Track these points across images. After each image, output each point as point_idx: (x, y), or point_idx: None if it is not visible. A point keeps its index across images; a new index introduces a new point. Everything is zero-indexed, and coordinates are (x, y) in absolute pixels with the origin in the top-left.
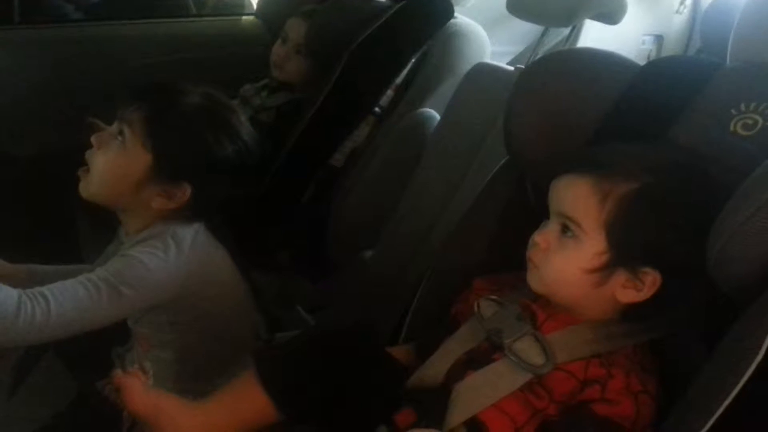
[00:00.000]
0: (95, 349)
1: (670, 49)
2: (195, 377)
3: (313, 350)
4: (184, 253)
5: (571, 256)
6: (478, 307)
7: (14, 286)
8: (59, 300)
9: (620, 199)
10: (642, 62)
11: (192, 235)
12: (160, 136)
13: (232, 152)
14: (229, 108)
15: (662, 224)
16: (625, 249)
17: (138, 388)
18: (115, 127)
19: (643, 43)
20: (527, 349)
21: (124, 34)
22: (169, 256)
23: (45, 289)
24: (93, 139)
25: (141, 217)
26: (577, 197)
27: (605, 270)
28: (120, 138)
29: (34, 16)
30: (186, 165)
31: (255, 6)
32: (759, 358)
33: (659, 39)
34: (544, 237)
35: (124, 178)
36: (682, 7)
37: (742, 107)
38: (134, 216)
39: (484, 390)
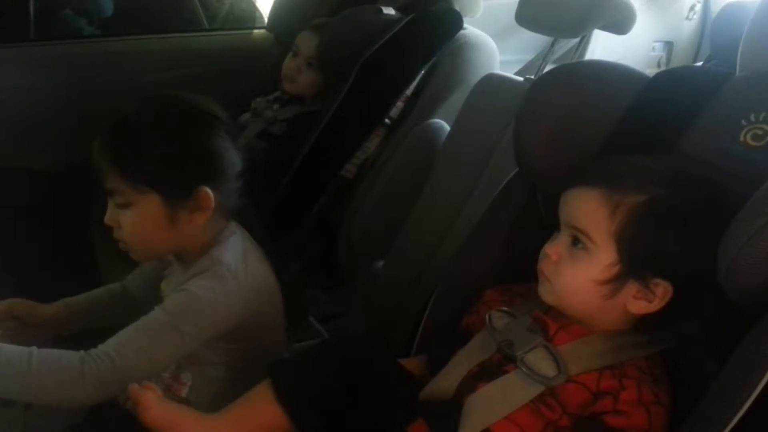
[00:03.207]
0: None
1: (680, 55)
2: (236, 396)
3: (327, 362)
4: (240, 283)
5: (582, 268)
6: (490, 318)
7: (58, 325)
8: (122, 353)
9: (630, 211)
10: (652, 68)
11: (241, 258)
12: (136, 169)
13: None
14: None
15: (672, 235)
16: (636, 260)
17: (153, 401)
18: (110, 194)
19: (653, 49)
20: (539, 360)
21: (137, 48)
22: (229, 286)
23: (107, 347)
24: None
25: (186, 245)
26: (587, 209)
27: (616, 281)
28: (119, 198)
29: (49, 32)
30: (179, 170)
31: (266, 20)
32: None
33: (669, 45)
34: (555, 249)
35: (156, 229)
36: (691, 13)
37: (752, 117)
38: (186, 246)
39: (497, 402)
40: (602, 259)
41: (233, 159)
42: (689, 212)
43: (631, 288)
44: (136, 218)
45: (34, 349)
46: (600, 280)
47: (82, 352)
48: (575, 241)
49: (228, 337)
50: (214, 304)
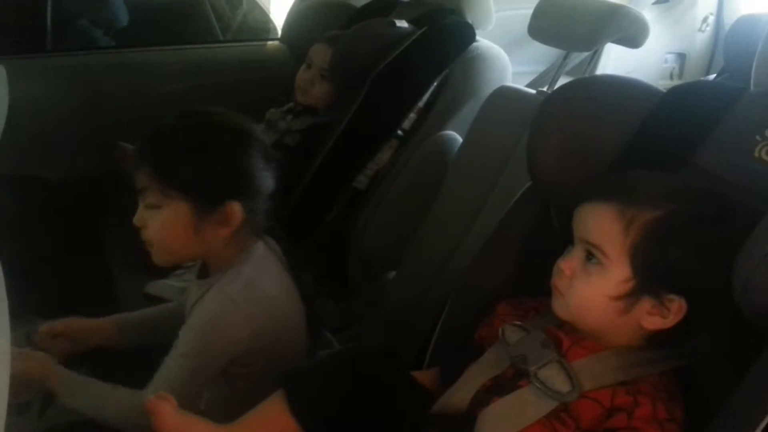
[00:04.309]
0: (128, 366)
1: (692, 67)
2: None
3: (341, 374)
4: (260, 300)
5: (596, 283)
6: (503, 332)
7: (100, 342)
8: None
9: (644, 226)
10: (665, 80)
11: (256, 281)
12: (170, 175)
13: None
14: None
15: (687, 252)
16: (650, 276)
17: (168, 412)
18: (141, 193)
19: (666, 61)
20: (553, 376)
21: (152, 59)
22: (247, 307)
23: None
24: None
25: (208, 255)
26: (601, 224)
27: (630, 297)
28: (149, 198)
29: (65, 43)
30: (211, 183)
31: (280, 31)
32: None
33: (682, 57)
34: (569, 264)
35: (180, 235)
36: (704, 25)
37: (767, 133)
38: (206, 257)
39: (510, 417)
40: (616, 274)
41: (265, 180)
42: (703, 228)
43: (646, 304)
44: (163, 221)
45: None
46: (614, 296)
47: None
48: (589, 256)
49: (240, 362)
50: (231, 324)
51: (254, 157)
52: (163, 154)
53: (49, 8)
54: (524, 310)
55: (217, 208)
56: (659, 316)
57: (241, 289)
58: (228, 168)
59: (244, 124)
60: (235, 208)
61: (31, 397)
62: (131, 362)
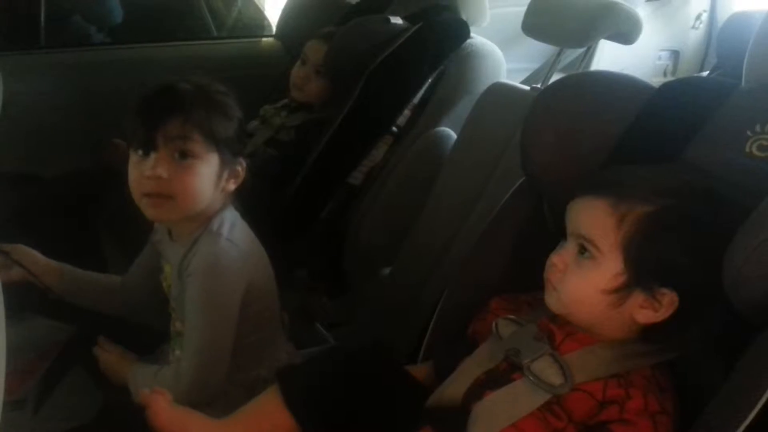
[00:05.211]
0: None
1: (686, 64)
2: (240, 366)
3: (336, 368)
4: (241, 248)
5: (589, 277)
6: (497, 326)
7: (52, 283)
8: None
9: (637, 221)
10: (658, 77)
11: (235, 226)
12: (218, 128)
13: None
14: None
15: (678, 246)
16: (642, 270)
17: (163, 406)
18: (171, 141)
19: (660, 58)
20: (545, 369)
21: (146, 56)
22: (232, 257)
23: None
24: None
25: (207, 212)
26: (594, 218)
27: (623, 291)
28: (184, 145)
29: (59, 39)
30: (237, 135)
31: (274, 28)
32: None
33: (675, 54)
34: (561, 258)
35: (207, 186)
36: (698, 22)
37: (758, 128)
38: (203, 212)
39: (503, 409)
40: (609, 268)
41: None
42: (695, 223)
43: (638, 297)
44: (199, 171)
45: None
46: (606, 290)
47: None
48: (582, 250)
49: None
50: (229, 280)
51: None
52: (209, 105)
53: (43, 5)
54: (518, 304)
55: (237, 162)
56: (651, 309)
57: (230, 227)
58: (242, 124)
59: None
60: (243, 162)
61: (26, 394)
62: None
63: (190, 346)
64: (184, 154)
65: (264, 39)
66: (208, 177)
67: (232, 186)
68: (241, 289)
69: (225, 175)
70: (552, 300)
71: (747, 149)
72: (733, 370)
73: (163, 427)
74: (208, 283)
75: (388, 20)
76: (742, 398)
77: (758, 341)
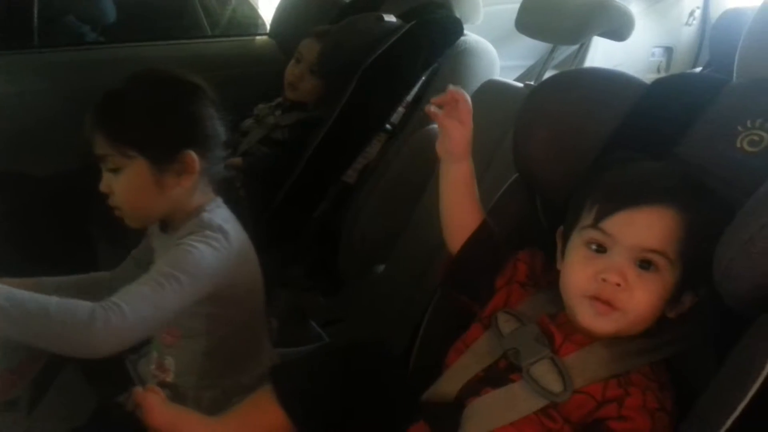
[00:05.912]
0: (116, 362)
1: (679, 60)
2: (221, 372)
3: (329, 366)
4: (231, 242)
5: (656, 291)
6: (496, 320)
7: None
8: (128, 300)
9: (701, 225)
10: (652, 74)
11: (229, 222)
12: (122, 133)
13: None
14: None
15: (711, 246)
16: (697, 271)
17: (158, 404)
18: (102, 161)
19: (653, 54)
20: (545, 374)
21: (140, 55)
22: (221, 244)
23: (114, 297)
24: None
25: (176, 210)
26: (662, 229)
27: (680, 296)
28: (109, 163)
29: (52, 39)
30: (163, 134)
31: (268, 26)
32: (766, 372)
33: (669, 51)
34: (622, 275)
35: (145, 192)
36: (691, 19)
37: (749, 124)
38: (174, 212)
39: (499, 410)
40: (674, 276)
41: (217, 127)
42: (716, 224)
43: (686, 298)
44: (126, 183)
45: (52, 297)
46: (669, 298)
47: (94, 303)
48: (644, 264)
49: (211, 299)
50: (209, 257)
51: (202, 105)
52: (114, 116)
53: (36, 4)
54: (535, 277)
55: (175, 158)
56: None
57: (223, 221)
58: (177, 117)
59: (190, 76)
60: (192, 156)
61: (19, 394)
62: None
63: (138, 292)
64: (115, 170)
65: (258, 37)
66: (140, 185)
67: (186, 182)
68: (218, 277)
69: (166, 176)
70: (608, 321)
71: (738, 144)
72: (725, 362)
73: (157, 426)
74: (187, 248)
75: (382, 18)
76: (733, 389)
77: (749, 332)
